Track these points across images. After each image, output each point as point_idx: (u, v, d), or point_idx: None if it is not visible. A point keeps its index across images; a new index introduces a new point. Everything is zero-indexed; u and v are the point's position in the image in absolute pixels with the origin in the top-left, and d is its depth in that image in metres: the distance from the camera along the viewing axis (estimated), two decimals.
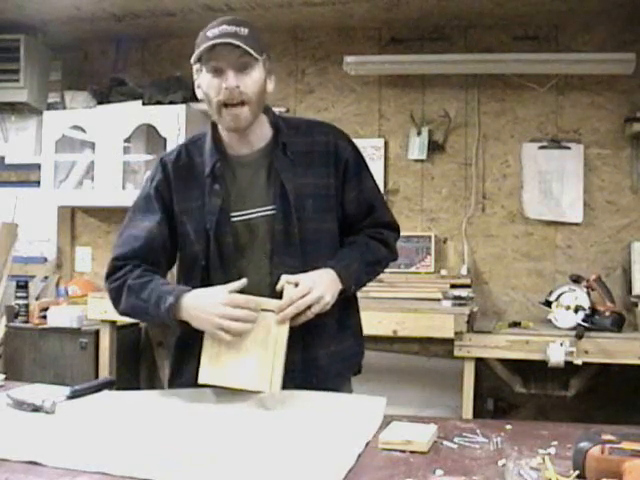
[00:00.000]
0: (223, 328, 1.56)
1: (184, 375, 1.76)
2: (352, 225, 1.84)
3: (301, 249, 1.70)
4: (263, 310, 1.60)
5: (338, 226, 1.81)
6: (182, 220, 1.74)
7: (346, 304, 1.80)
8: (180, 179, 1.75)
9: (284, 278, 1.62)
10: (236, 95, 1.63)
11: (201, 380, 1.62)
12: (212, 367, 1.61)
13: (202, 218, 1.71)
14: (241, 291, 1.63)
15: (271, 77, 1.72)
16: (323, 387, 1.70)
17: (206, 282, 1.70)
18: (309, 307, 1.60)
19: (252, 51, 1.61)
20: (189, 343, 1.72)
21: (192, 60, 1.66)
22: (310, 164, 1.75)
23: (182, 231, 1.74)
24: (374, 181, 1.87)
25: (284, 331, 1.59)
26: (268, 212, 1.71)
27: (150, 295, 1.65)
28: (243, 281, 1.64)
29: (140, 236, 1.73)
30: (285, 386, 1.61)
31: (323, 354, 1.73)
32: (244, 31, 1.61)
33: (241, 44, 1.59)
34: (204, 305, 1.59)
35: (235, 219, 1.72)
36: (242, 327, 1.57)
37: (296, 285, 1.61)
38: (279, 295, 1.63)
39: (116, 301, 1.73)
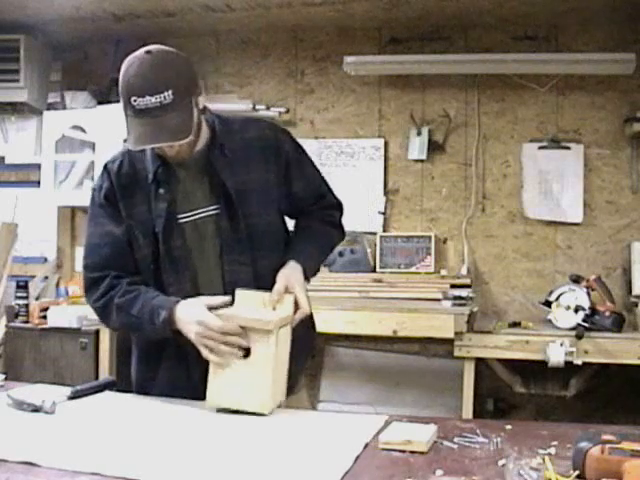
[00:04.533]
0: (203, 348, 1.60)
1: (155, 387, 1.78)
2: (302, 210, 1.93)
3: (249, 244, 1.75)
4: (253, 330, 1.58)
5: (285, 215, 1.90)
6: (130, 224, 1.76)
7: None
8: (124, 187, 1.77)
9: (274, 292, 1.66)
10: (174, 153, 1.69)
11: (208, 405, 1.61)
12: (216, 391, 1.61)
13: (149, 222, 1.73)
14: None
15: (201, 97, 1.69)
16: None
17: (159, 284, 1.73)
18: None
19: (180, 135, 1.60)
20: (152, 354, 1.77)
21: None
22: (249, 160, 1.78)
23: (131, 236, 1.76)
24: (314, 166, 1.94)
25: (271, 349, 1.57)
26: (213, 211, 1.75)
27: (142, 311, 1.68)
28: (227, 298, 1.66)
29: (103, 243, 1.77)
30: None
31: None
32: (168, 96, 1.57)
33: (168, 140, 1.60)
34: (185, 321, 1.63)
35: (182, 220, 1.75)
36: (213, 358, 1.58)
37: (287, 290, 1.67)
38: (233, 293, 1.65)
39: (104, 319, 1.79)
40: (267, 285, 1.69)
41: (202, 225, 1.75)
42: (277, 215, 1.85)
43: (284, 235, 1.89)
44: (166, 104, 1.57)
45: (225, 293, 1.69)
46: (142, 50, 1.64)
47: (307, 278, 1.77)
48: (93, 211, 1.81)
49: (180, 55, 1.67)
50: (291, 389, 1.76)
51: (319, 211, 1.93)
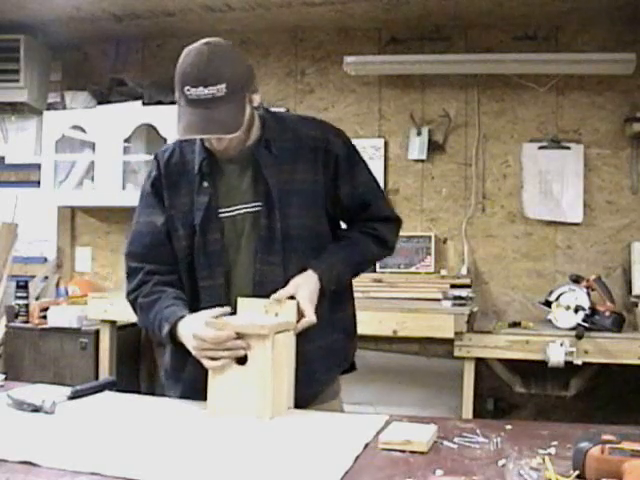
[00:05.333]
0: (204, 360, 1.60)
1: (183, 377, 1.77)
2: (350, 220, 1.86)
3: (282, 246, 1.71)
4: (249, 335, 1.57)
5: (330, 222, 1.81)
6: (171, 215, 1.77)
7: (336, 299, 1.80)
8: (171, 176, 1.78)
9: (274, 297, 1.65)
10: (223, 147, 1.68)
11: (208, 412, 1.60)
12: (215, 397, 1.60)
13: (190, 214, 1.73)
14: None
15: (255, 94, 1.69)
16: (307, 380, 1.69)
17: (193, 277, 1.74)
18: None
19: (229, 129, 1.60)
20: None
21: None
22: (297, 160, 1.75)
23: (171, 227, 1.77)
24: (370, 174, 1.86)
25: (268, 354, 1.56)
26: (253, 208, 1.73)
27: (154, 318, 1.70)
28: (226, 309, 1.65)
29: (145, 232, 1.80)
30: None
31: (309, 348, 1.71)
32: (221, 89, 1.56)
33: (216, 133, 1.60)
34: (185, 336, 1.63)
35: (222, 215, 1.74)
36: (212, 364, 1.58)
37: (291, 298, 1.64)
38: (265, 294, 1.65)
39: (135, 314, 1.80)
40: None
41: (241, 221, 1.73)
42: (322, 220, 1.78)
43: (324, 242, 1.79)
44: (218, 97, 1.56)
45: (254, 293, 1.68)
46: (202, 41, 1.63)
47: (324, 288, 1.71)
48: (141, 199, 1.84)
49: (238, 51, 1.67)
50: (315, 397, 1.74)
51: (363, 222, 1.84)
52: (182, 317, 1.66)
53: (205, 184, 1.73)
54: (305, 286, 1.67)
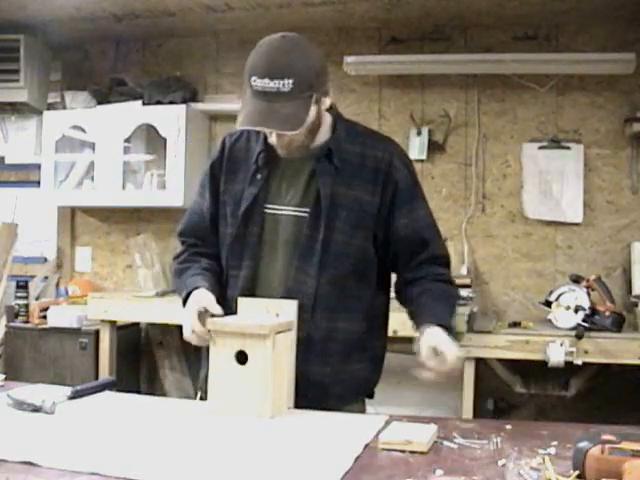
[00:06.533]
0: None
1: None
2: (410, 259, 1.76)
3: (320, 259, 1.66)
4: (249, 335, 1.56)
5: (382, 253, 1.75)
6: (224, 200, 1.78)
7: (370, 327, 1.77)
8: (232, 161, 1.78)
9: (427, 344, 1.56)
10: (284, 144, 1.66)
11: (209, 412, 1.60)
12: (216, 397, 1.60)
13: (240, 203, 1.73)
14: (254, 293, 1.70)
15: (326, 97, 1.66)
16: (318, 405, 1.65)
17: (226, 265, 1.76)
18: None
19: (288, 126, 1.57)
20: None
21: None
22: (356, 176, 1.70)
23: (222, 211, 1.78)
24: (428, 210, 1.80)
25: (268, 354, 1.55)
26: (300, 213, 1.70)
27: (181, 284, 1.76)
28: (219, 312, 1.64)
29: (194, 212, 1.86)
30: None
31: (322, 371, 1.69)
32: (288, 84, 1.53)
33: (275, 127, 1.58)
34: (186, 308, 1.67)
35: (267, 211, 1.72)
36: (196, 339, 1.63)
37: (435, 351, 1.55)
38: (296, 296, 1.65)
39: (173, 279, 1.91)
40: (323, 305, 1.66)
41: (284, 223, 1.70)
42: (367, 242, 1.71)
43: (367, 266, 1.74)
44: (283, 92, 1.53)
45: (283, 297, 1.66)
46: (279, 33, 1.61)
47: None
48: (201, 178, 1.86)
49: (315, 50, 1.63)
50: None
51: (427, 268, 1.75)
52: (196, 288, 1.68)
53: (259, 176, 1.72)
54: (438, 337, 1.58)
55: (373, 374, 1.83)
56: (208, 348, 1.64)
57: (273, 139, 1.65)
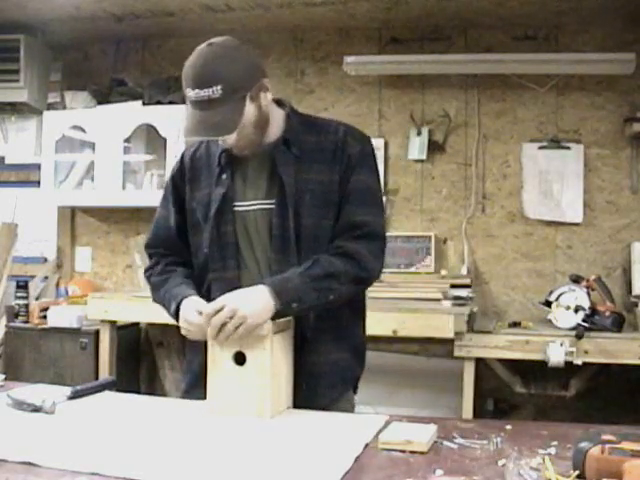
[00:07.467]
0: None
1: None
2: (335, 227, 1.74)
3: (297, 245, 1.69)
4: (248, 335, 1.55)
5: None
6: (193, 208, 1.79)
7: (344, 316, 1.76)
8: (194, 169, 1.81)
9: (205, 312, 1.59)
10: (233, 144, 1.69)
11: (208, 412, 1.60)
12: (214, 398, 1.60)
13: (208, 206, 1.75)
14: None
15: (265, 94, 1.67)
16: (311, 395, 1.69)
17: (204, 271, 1.76)
18: (235, 327, 1.54)
19: (222, 131, 1.61)
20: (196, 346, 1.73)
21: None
22: (316, 160, 1.73)
23: (194, 220, 1.79)
24: (373, 181, 1.76)
25: (267, 354, 1.55)
26: (268, 205, 1.72)
27: (164, 296, 1.76)
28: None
29: (160, 224, 1.88)
30: None
31: (314, 361, 1.71)
32: (217, 90, 1.56)
33: (210, 135, 1.63)
34: (181, 315, 1.67)
35: (238, 209, 1.74)
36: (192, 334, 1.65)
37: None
38: None
39: (150, 291, 1.86)
40: None
41: (256, 218, 1.73)
42: (334, 220, 1.72)
43: None
44: (215, 98, 1.57)
45: None
46: (207, 41, 1.63)
47: (282, 303, 1.59)
48: (163, 191, 1.90)
49: (242, 50, 1.64)
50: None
51: (338, 240, 1.71)
52: (186, 297, 1.69)
53: (224, 176, 1.74)
54: (238, 292, 1.60)
55: (355, 364, 1.83)
56: (197, 352, 1.67)
57: (223, 142, 1.70)
